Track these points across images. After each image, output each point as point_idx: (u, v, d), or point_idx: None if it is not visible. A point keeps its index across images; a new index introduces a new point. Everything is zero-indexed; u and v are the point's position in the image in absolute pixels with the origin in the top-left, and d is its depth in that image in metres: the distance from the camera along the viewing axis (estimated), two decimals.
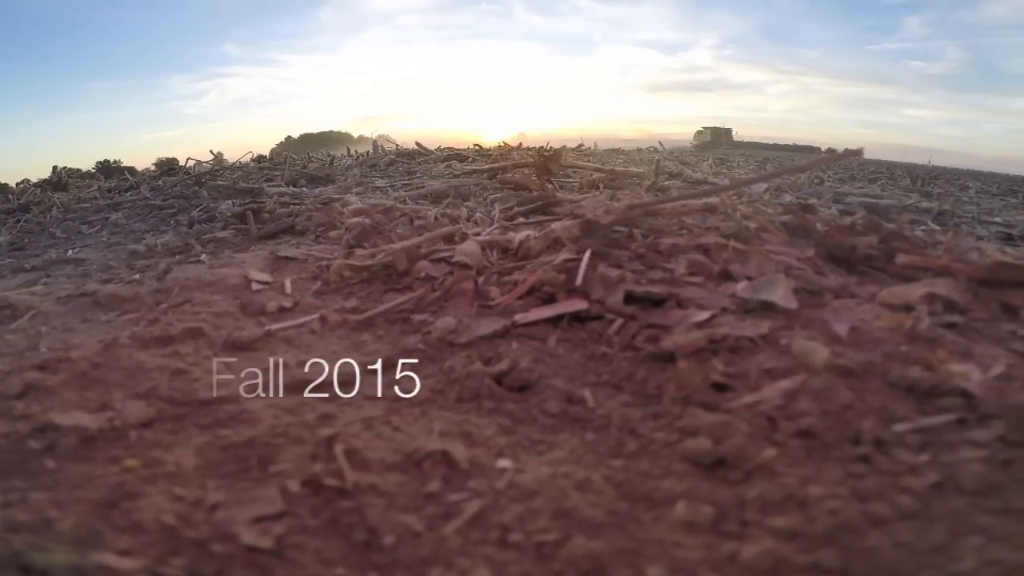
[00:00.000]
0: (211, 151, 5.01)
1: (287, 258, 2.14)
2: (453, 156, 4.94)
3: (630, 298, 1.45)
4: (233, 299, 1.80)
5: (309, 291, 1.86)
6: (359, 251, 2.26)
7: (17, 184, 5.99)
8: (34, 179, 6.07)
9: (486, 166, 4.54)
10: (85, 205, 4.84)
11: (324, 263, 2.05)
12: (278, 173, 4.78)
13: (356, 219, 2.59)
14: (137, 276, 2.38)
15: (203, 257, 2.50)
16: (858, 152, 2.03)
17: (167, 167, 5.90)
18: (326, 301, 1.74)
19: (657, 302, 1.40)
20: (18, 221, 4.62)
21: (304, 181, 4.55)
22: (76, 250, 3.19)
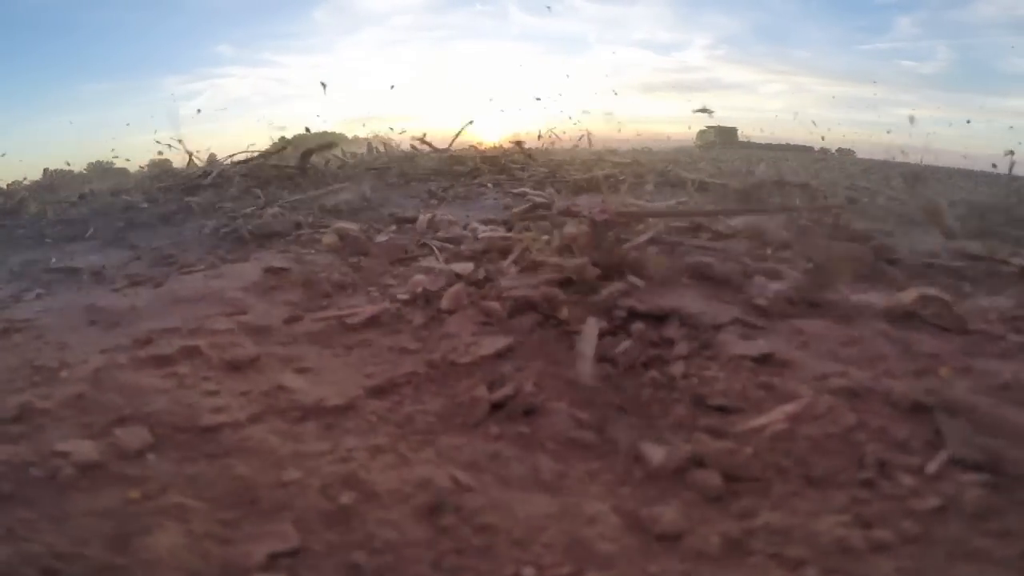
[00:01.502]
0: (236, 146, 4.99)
1: (281, 269, 2.16)
2: (451, 160, 4.95)
3: (633, 313, 1.49)
4: (228, 315, 1.82)
5: (302, 305, 1.88)
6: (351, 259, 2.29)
7: (8, 185, 5.98)
8: (26, 180, 6.06)
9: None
10: (80, 210, 4.82)
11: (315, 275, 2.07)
12: (271, 175, 4.77)
13: (346, 225, 2.62)
14: (132, 288, 2.38)
15: (198, 267, 2.50)
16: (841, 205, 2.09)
17: (160, 168, 5.90)
18: (321, 316, 1.76)
19: (660, 318, 1.44)
20: (8, 226, 4.59)
21: (291, 187, 4.53)
22: (69, 257, 3.18)
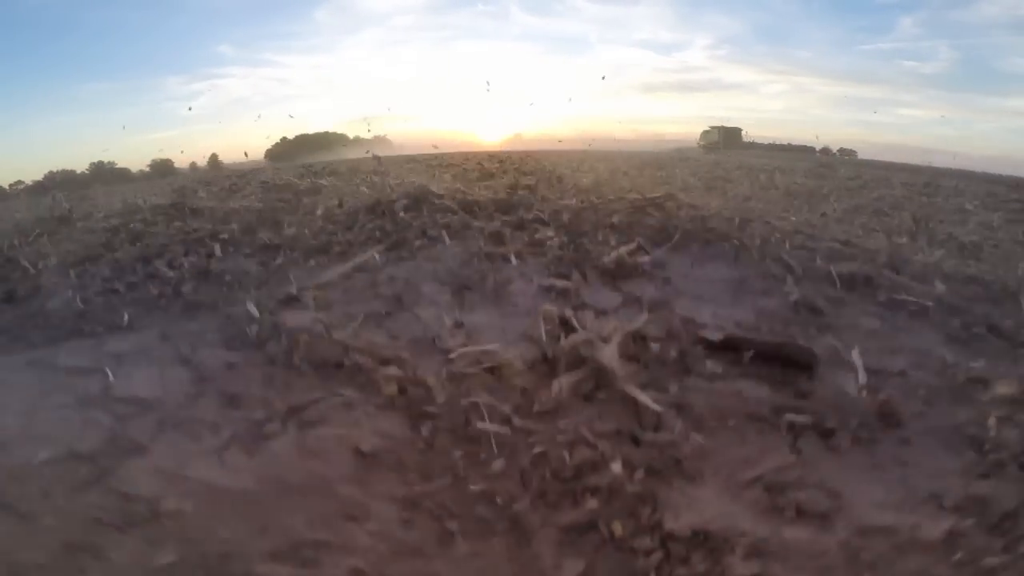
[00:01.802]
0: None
1: (369, 455, 2.59)
2: (465, 207, 5.22)
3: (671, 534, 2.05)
4: (354, 521, 2.25)
5: (405, 502, 2.35)
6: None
7: (10, 186, 6.07)
8: (28, 180, 6.16)
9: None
10: (104, 272, 4.84)
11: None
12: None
13: (398, 372, 3.04)
14: (227, 451, 2.72)
15: (273, 422, 2.86)
16: None
17: (162, 168, 6.11)
18: (429, 523, 2.26)
19: (701, 535, 2.01)
20: (35, 299, 4.53)
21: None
22: (123, 370, 3.30)
